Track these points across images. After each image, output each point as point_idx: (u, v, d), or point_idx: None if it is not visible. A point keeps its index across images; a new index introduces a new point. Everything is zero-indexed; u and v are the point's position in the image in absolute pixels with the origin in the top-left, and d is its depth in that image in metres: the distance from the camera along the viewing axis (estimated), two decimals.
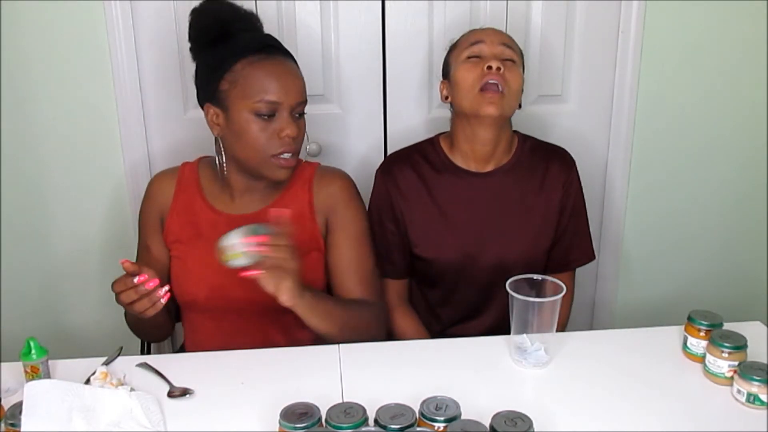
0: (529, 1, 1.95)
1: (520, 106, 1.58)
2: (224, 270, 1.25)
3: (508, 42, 1.56)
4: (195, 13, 1.47)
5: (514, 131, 1.67)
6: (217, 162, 1.50)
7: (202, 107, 1.48)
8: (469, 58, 1.54)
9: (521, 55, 1.60)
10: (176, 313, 1.70)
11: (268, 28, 1.56)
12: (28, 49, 1.83)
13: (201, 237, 1.50)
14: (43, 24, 1.81)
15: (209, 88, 1.42)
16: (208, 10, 1.46)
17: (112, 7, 1.82)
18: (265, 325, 1.52)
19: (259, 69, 1.38)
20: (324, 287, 1.55)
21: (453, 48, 1.61)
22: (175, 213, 1.53)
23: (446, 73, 1.61)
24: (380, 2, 1.92)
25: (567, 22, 1.99)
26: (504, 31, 1.62)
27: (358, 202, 1.55)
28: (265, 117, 1.38)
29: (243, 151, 1.42)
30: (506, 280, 1.34)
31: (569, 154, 1.68)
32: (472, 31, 1.61)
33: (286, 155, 1.41)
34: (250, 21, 1.49)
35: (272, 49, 1.43)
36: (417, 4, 1.92)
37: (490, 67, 1.49)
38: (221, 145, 1.46)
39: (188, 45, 1.49)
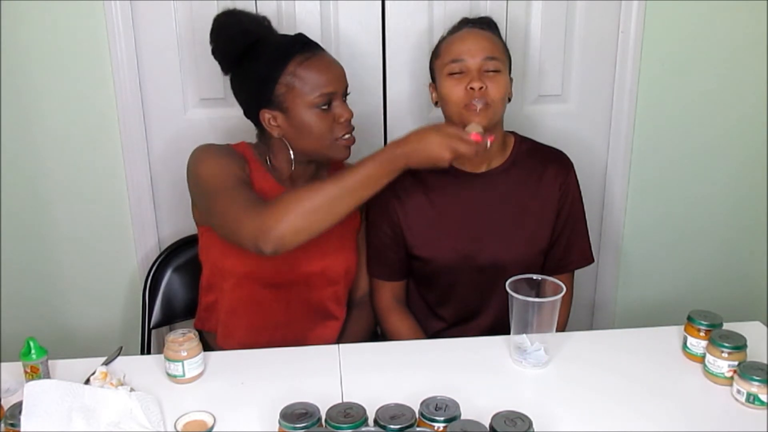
0: (529, 1, 1.94)
1: (510, 99, 1.57)
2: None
3: (490, 52, 1.50)
4: (217, 31, 1.52)
5: (512, 132, 1.67)
6: (290, 158, 1.53)
7: (252, 116, 1.53)
8: (451, 74, 1.51)
9: (507, 55, 1.56)
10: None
11: None
12: (28, 49, 1.83)
13: None
14: (43, 24, 1.81)
15: (264, 96, 1.48)
16: (230, 24, 1.51)
17: (112, 7, 1.82)
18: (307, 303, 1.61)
19: (310, 67, 1.46)
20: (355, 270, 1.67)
21: (435, 57, 1.58)
22: (253, 185, 1.52)
23: (433, 78, 1.61)
24: (380, 2, 1.92)
25: (567, 22, 1.98)
26: (485, 30, 1.56)
27: None
28: (324, 107, 1.48)
29: (309, 144, 1.51)
30: (504, 281, 1.34)
31: (567, 157, 1.67)
32: (453, 42, 1.54)
33: (347, 135, 1.52)
34: (264, 23, 1.54)
35: (310, 45, 1.51)
36: (417, 4, 1.92)
37: (473, 88, 1.48)
38: (286, 143, 1.51)
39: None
